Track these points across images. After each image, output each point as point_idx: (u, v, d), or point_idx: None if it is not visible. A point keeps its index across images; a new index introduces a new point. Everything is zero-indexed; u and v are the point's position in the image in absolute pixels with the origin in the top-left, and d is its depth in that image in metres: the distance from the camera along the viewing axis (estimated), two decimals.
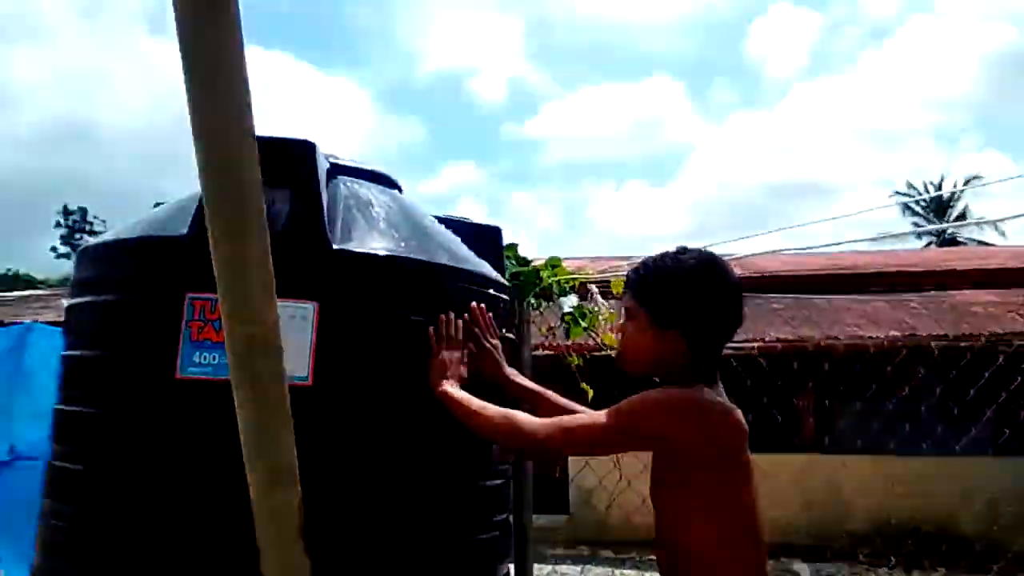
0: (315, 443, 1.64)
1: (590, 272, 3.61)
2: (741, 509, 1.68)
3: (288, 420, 1.45)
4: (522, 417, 1.78)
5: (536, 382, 2.74)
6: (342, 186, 2.04)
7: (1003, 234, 25.68)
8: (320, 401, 1.73)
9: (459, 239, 2.25)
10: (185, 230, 1.82)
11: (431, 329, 1.88)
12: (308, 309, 1.77)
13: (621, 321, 1.86)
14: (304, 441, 1.54)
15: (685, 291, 1.72)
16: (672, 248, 1.83)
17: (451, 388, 1.83)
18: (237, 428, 1.46)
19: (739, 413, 1.72)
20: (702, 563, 1.66)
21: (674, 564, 1.72)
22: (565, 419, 1.79)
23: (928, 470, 7.82)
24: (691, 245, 1.85)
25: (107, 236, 2.20)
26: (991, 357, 8.34)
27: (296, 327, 1.74)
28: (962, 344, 8.42)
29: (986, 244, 24.34)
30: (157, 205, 2.21)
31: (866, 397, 8.81)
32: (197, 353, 1.76)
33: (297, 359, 1.71)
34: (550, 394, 2.10)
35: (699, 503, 1.66)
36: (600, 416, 1.70)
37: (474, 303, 2.00)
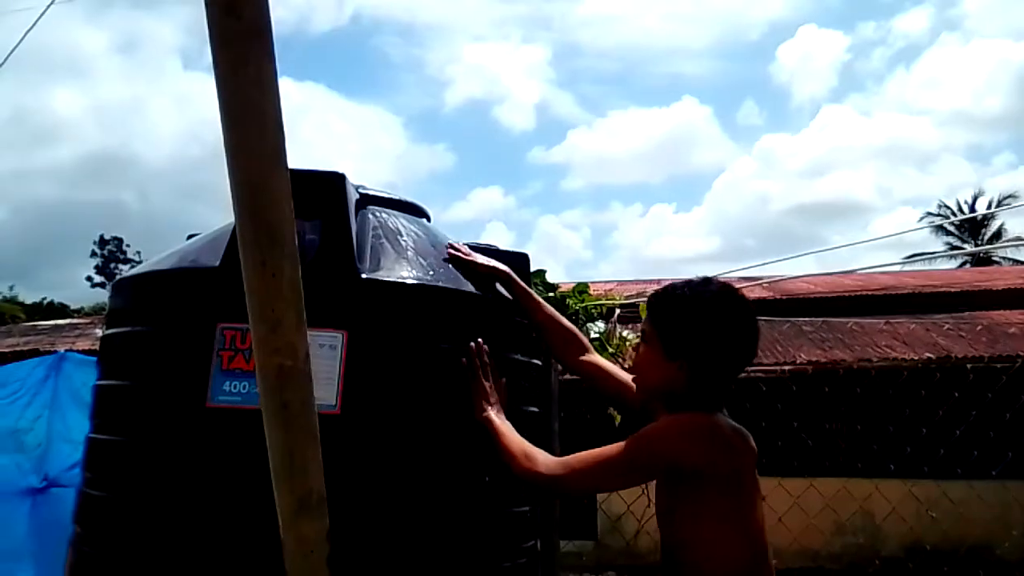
0: (343, 472, 1.65)
1: (617, 296, 3.61)
2: (752, 532, 1.69)
3: (317, 449, 1.46)
4: (539, 456, 1.78)
5: (563, 409, 2.74)
6: (371, 216, 2.07)
7: None
8: (348, 430, 1.74)
9: None
10: (217, 261, 1.85)
11: (464, 360, 1.89)
12: (337, 338, 1.78)
13: (638, 341, 1.89)
14: (332, 470, 1.55)
15: (695, 325, 1.74)
16: (697, 278, 1.84)
17: (495, 415, 1.85)
18: (266, 456, 1.47)
19: (749, 435, 1.74)
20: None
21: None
22: (574, 459, 1.76)
23: (963, 495, 7.65)
24: (716, 275, 1.87)
25: (141, 268, 2.24)
26: None
27: (325, 356, 1.76)
28: (998, 366, 8.27)
29: (1022, 263, 23.93)
30: (190, 237, 2.25)
31: (899, 420, 8.69)
32: (228, 382, 1.78)
33: (325, 388, 1.72)
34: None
35: (711, 526, 1.66)
36: (610, 452, 1.70)
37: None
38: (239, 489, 1.72)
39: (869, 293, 11.89)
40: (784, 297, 11.23)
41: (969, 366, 8.31)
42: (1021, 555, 8.12)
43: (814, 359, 9.10)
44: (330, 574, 1.54)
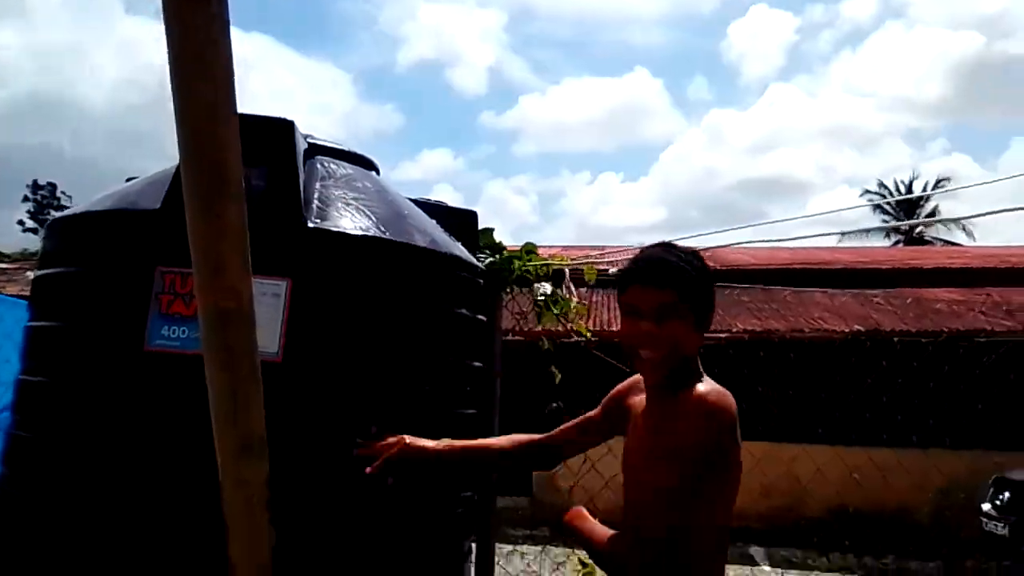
0: (283, 419, 1.65)
1: (563, 260, 3.63)
2: (731, 507, 1.65)
3: (259, 392, 1.46)
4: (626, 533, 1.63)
5: (505, 366, 2.75)
6: (319, 166, 2.04)
7: (971, 235, 26.09)
8: (289, 377, 1.74)
9: (435, 222, 2.26)
10: (158, 204, 1.82)
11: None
12: (281, 286, 1.77)
13: (652, 320, 1.65)
14: (272, 416, 1.55)
15: (711, 295, 1.70)
16: (665, 243, 1.76)
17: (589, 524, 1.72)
18: (206, 400, 1.46)
19: None
20: (701, 558, 1.59)
21: (664, 557, 1.56)
22: (667, 502, 1.56)
23: (886, 460, 7.95)
24: (671, 239, 1.84)
25: (78, 208, 2.18)
26: (951, 352, 8.53)
27: (268, 303, 1.75)
28: (923, 339, 8.58)
29: (953, 244, 24.70)
30: (129, 180, 2.19)
31: (829, 388, 8.97)
32: (166, 326, 1.76)
33: (268, 335, 1.72)
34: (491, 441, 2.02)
35: (709, 503, 1.58)
36: (692, 467, 1.55)
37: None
38: (176, 433, 1.71)
39: (806, 267, 12.16)
40: (724, 267, 11.42)
41: (896, 339, 8.60)
42: (936, 519, 8.52)
43: (750, 328, 9.30)
44: (269, 517, 1.54)
